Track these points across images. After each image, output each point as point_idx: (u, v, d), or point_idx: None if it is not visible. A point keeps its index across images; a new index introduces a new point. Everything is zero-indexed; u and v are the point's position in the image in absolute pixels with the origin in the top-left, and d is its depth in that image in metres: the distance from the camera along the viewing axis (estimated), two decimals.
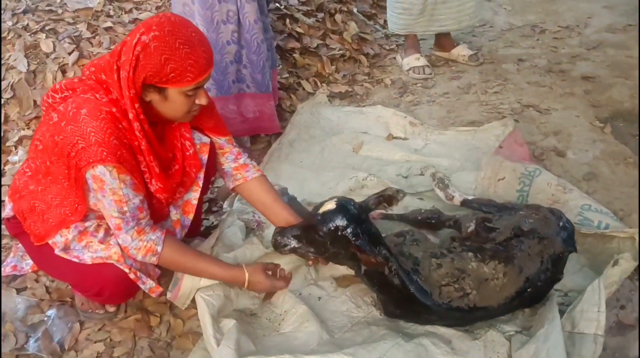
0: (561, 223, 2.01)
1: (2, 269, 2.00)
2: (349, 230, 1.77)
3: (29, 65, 2.87)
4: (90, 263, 1.75)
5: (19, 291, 2.09)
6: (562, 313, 1.84)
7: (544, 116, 3.12)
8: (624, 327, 1.91)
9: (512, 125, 2.76)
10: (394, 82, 3.55)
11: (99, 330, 1.99)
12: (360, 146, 2.82)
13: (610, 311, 1.92)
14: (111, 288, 1.79)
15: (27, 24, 3.05)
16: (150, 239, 1.72)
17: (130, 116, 1.61)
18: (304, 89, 3.32)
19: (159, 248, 1.73)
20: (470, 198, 2.39)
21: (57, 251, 1.75)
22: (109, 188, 1.61)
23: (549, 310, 1.85)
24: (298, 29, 3.57)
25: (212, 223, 2.42)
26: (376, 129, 2.98)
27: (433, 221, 2.14)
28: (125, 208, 1.65)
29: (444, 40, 3.80)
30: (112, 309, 2.02)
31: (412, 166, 2.66)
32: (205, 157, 1.91)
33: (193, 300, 1.93)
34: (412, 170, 2.64)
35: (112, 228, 1.70)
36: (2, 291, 2.05)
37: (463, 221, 2.08)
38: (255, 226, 2.37)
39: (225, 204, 2.47)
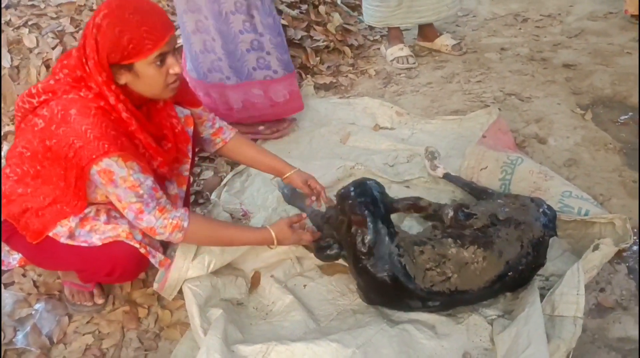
0: (541, 209, 2.05)
1: None
2: (356, 202, 1.88)
3: (12, 60, 2.87)
4: (100, 244, 1.78)
5: (6, 286, 2.10)
6: (543, 297, 1.87)
7: (525, 104, 3.16)
8: (603, 310, 1.95)
9: (496, 114, 2.80)
10: (378, 72, 3.57)
11: (87, 322, 2.01)
12: (348, 136, 2.85)
13: (590, 294, 1.97)
14: (123, 265, 1.81)
15: (10, 19, 3.05)
16: (175, 216, 1.74)
17: (112, 100, 1.62)
18: None
19: (185, 224, 1.74)
20: (452, 173, 2.50)
21: (63, 240, 1.77)
22: (119, 178, 1.63)
23: (530, 294, 1.88)
24: (282, 22, 3.56)
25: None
26: (363, 119, 3.02)
27: (414, 204, 2.17)
28: (141, 191, 1.67)
29: (427, 31, 3.82)
30: (100, 301, 2.04)
31: (398, 155, 2.70)
32: (191, 129, 1.97)
33: (180, 291, 1.96)
34: (398, 159, 2.68)
35: (132, 215, 1.70)
36: None
37: (443, 210, 2.12)
38: (242, 215, 2.40)
39: (213, 196, 2.50)
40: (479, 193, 2.38)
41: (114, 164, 1.61)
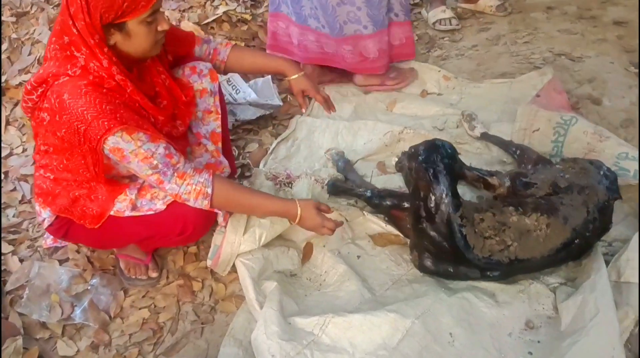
0: (602, 172, 1.98)
1: (43, 242, 2.04)
2: (424, 157, 1.82)
3: None
4: (164, 208, 1.77)
5: (61, 262, 2.12)
6: (607, 263, 1.81)
7: (577, 64, 3.03)
8: None
9: (550, 73, 2.69)
10: (420, 37, 3.46)
11: (143, 296, 2.02)
12: (394, 103, 2.77)
13: None
14: (193, 222, 1.80)
15: None
16: (199, 182, 1.70)
17: (105, 63, 1.57)
18: None
19: (209, 190, 1.70)
20: (490, 132, 2.46)
21: (127, 214, 1.77)
22: (129, 152, 1.59)
23: (594, 260, 1.82)
24: None
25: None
26: (410, 86, 2.93)
27: (483, 179, 2.07)
28: (155, 161, 1.63)
29: None
30: (154, 275, 2.05)
31: (447, 119, 2.62)
32: (216, 84, 1.97)
33: (233, 265, 1.95)
34: (448, 123, 2.60)
35: (155, 186, 1.70)
36: (46, 263, 2.09)
37: (497, 182, 2.05)
38: (286, 178, 2.37)
39: (261, 165, 2.46)
40: (516, 149, 2.35)
41: (119, 140, 1.56)
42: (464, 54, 3.26)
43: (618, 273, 1.78)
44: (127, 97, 1.62)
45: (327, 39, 2.71)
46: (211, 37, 2.04)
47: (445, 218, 1.76)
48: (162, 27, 1.64)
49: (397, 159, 2.05)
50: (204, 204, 1.72)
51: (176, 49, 1.91)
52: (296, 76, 2.04)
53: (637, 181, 2.11)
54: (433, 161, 1.81)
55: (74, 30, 1.54)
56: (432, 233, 1.78)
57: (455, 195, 1.82)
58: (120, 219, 1.79)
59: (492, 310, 1.76)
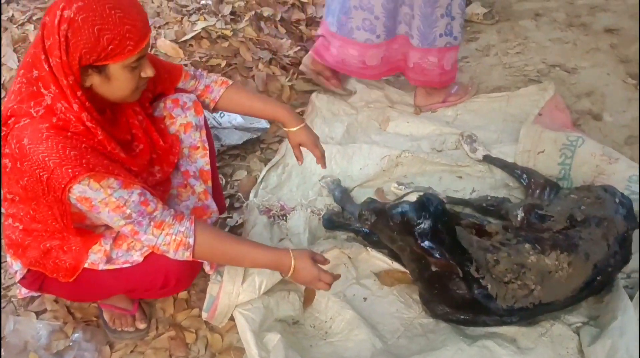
0: (617, 200, 1.89)
1: (18, 292, 1.85)
2: (419, 229, 1.62)
3: (19, 60, 2.65)
4: (142, 259, 1.61)
5: (38, 314, 1.93)
6: (630, 297, 1.71)
7: (572, 76, 2.95)
8: None
9: (552, 89, 2.59)
10: None
11: (132, 351, 1.85)
12: (388, 121, 2.64)
13: None
14: (176, 273, 1.64)
15: (13, 15, 2.82)
16: (179, 231, 1.52)
17: (75, 107, 1.39)
18: None
19: (191, 240, 1.53)
20: (492, 155, 2.36)
21: (101, 267, 1.59)
22: (98, 202, 1.42)
23: (619, 298, 1.72)
24: None
25: (237, 221, 2.24)
26: (402, 104, 2.79)
27: (479, 227, 1.93)
28: (128, 211, 1.45)
29: None
30: (142, 326, 1.87)
31: (445, 139, 2.50)
32: (201, 118, 1.78)
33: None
34: (446, 144, 2.49)
35: (130, 237, 1.52)
36: (22, 317, 1.90)
37: (511, 210, 1.94)
38: (279, 210, 2.22)
39: (251, 196, 2.30)
40: (523, 175, 2.24)
41: (86, 189, 1.39)
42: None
43: None
44: (95, 142, 1.44)
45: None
46: (204, 73, 1.85)
47: (459, 278, 1.64)
48: (146, 73, 1.47)
49: (359, 212, 1.84)
50: (185, 256, 1.54)
51: (160, 85, 1.73)
52: (295, 128, 1.85)
53: None
54: (430, 225, 1.63)
55: (45, 66, 1.36)
56: (447, 291, 1.67)
57: (463, 249, 1.69)
58: (96, 273, 1.61)
59: None
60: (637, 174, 2.14)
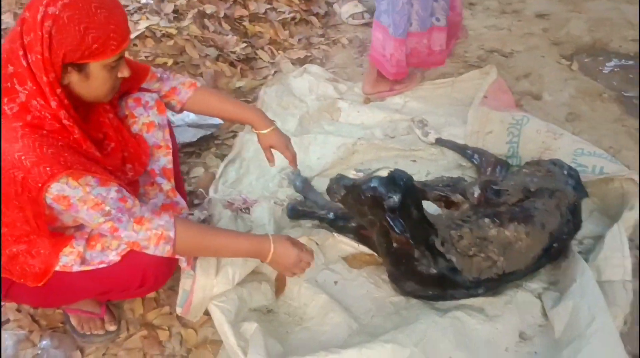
0: (565, 172, 1.99)
1: None
2: (389, 203, 1.66)
3: None
4: (119, 259, 1.58)
5: (1, 325, 1.86)
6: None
7: (510, 60, 3.08)
8: None
9: (495, 73, 2.70)
10: (351, 41, 3.40)
11: (104, 354, 1.80)
12: (339, 112, 2.69)
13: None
14: (154, 270, 1.62)
15: None
16: (159, 225, 1.51)
17: (53, 104, 1.37)
18: (262, 59, 3.11)
19: (172, 233, 1.52)
20: (444, 137, 2.45)
21: (76, 269, 1.55)
22: (76, 200, 1.39)
23: (575, 263, 1.82)
24: None
25: (200, 218, 2.22)
26: (350, 95, 2.84)
27: (445, 198, 2.00)
28: (107, 208, 1.43)
29: None
30: (112, 328, 1.83)
31: (397, 126, 2.58)
32: (164, 117, 1.77)
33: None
34: (398, 130, 2.56)
35: (108, 234, 1.49)
36: None
37: (468, 188, 2.01)
38: (242, 204, 2.22)
39: (211, 192, 2.29)
40: (475, 156, 2.34)
41: (65, 187, 1.36)
42: None
43: (598, 272, 1.79)
44: (71, 140, 1.42)
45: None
46: (171, 75, 1.83)
47: (427, 250, 1.70)
48: (123, 74, 1.48)
49: (329, 187, 1.88)
50: (166, 250, 1.53)
51: (126, 84, 1.69)
52: (266, 130, 1.85)
53: (597, 176, 2.13)
54: (399, 200, 1.67)
55: (23, 62, 1.33)
56: (414, 267, 1.72)
57: (430, 223, 1.75)
58: (69, 275, 1.57)
59: (485, 326, 1.71)
60: (582, 147, 2.25)
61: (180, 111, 1.87)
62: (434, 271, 1.73)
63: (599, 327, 1.57)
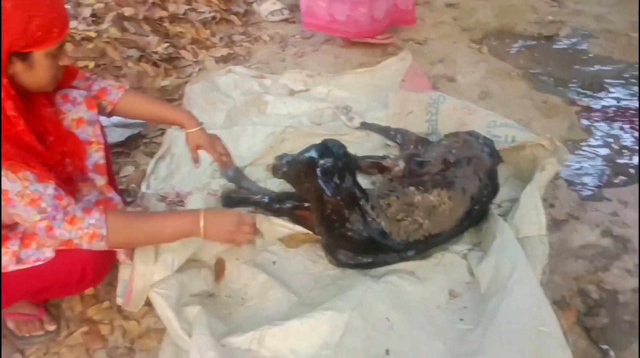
0: (481, 141, 2.13)
1: None
2: (321, 168, 1.74)
3: None
4: (54, 255, 1.57)
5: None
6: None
7: (425, 47, 3.23)
8: (559, 223, 2.07)
9: (410, 58, 2.83)
10: (272, 37, 3.47)
11: (45, 354, 1.78)
12: (265, 105, 2.74)
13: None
14: (92, 265, 1.61)
15: None
16: (90, 224, 1.51)
17: None
18: (185, 58, 3.13)
19: (103, 231, 1.52)
20: (368, 121, 2.55)
21: (11, 268, 1.53)
22: (14, 194, 1.38)
23: (494, 222, 1.95)
24: None
25: None
26: (276, 88, 2.91)
27: (377, 164, 2.11)
28: (44, 205, 1.43)
29: None
30: (52, 328, 1.81)
31: (323, 114, 2.66)
32: (94, 112, 1.75)
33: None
34: (324, 117, 2.64)
35: (43, 233, 1.48)
36: None
37: (391, 164, 2.12)
38: (175, 197, 2.24)
39: (143, 188, 2.30)
40: (397, 136, 2.44)
41: (4, 179, 1.36)
42: (319, 49, 3.33)
43: (516, 230, 1.92)
44: (14, 133, 1.41)
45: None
46: (98, 77, 1.84)
47: (358, 213, 1.78)
48: (64, 61, 1.49)
49: (273, 165, 1.97)
50: (100, 246, 1.54)
51: (59, 82, 1.69)
52: (194, 129, 1.89)
53: (510, 144, 2.29)
54: (331, 164, 1.77)
55: None
56: (347, 231, 1.80)
57: (361, 189, 1.84)
58: (6, 276, 1.55)
59: (417, 287, 1.81)
60: (494, 120, 2.41)
61: (111, 114, 1.87)
62: (365, 235, 1.81)
63: (520, 277, 1.69)
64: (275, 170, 1.92)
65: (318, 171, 1.74)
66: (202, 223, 1.65)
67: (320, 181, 1.74)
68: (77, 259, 1.59)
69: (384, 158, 2.07)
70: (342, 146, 1.83)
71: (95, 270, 1.65)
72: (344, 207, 1.76)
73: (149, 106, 1.89)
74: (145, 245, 1.75)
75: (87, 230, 1.50)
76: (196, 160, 1.97)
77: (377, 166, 2.05)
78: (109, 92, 1.84)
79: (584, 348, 1.71)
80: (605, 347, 1.71)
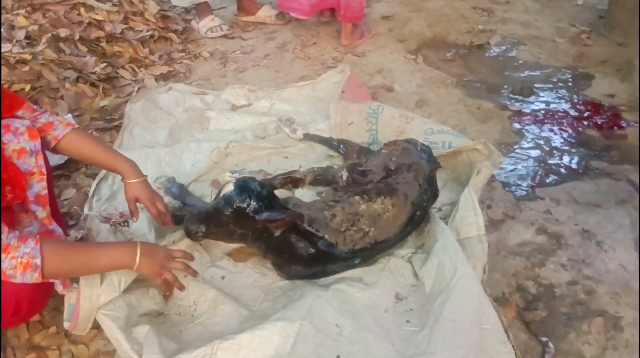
0: (419, 148, 2.20)
1: None
2: (251, 208, 1.75)
3: None
4: None
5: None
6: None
7: (363, 59, 3.31)
8: (496, 223, 2.16)
9: (349, 70, 2.90)
10: (212, 54, 3.49)
11: None
12: (208, 121, 2.75)
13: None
14: (27, 297, 1.57)
15: None
16: (24, 253, 1.46)
17: None
18: (123, 77, 3.10)
19: (38, 261, 1.48)
20: (311, 132, 2.59)
21: None
22: None
23: (435, 225, 2.02)
24: (96, 17, 3.30)
25: (77, 237, 2.19)
26: (218, 104, 2.93)
27: (289, 178, 2.10)
28: None
29: (247, 4, 3.81)
30: None
31: (266, 127, 2.69)
32: (37, 142, 1.72)
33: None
34: (267, 131, 2.67)
35: None
36: None
37: (336, 173, 2.17)
38: (119, 217, 2.22)
39: (86, 210, 2.27)
40: (340, 146, 2.50)
41: None
42: (259, 64, 3.37)
43: (457, 232, 2.00)
44: None
45: None
46: (48, 112, 1.82)
47: (296, 235, 1.82)
48: None
49: (187, 231, 1.86)
50: (34, 278, 1.49)
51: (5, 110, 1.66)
52: (134, 180, 1.88)
53: (447, 150, 2.37)
54: (255, 198, 1.76)
55: None
56: (294, 251, 1.84)
57: (289, 209, 1.87)
58: None
59: (364, 293, 1.85)
60: (431, 127, 2.50)
61: (55, 150, 1.84)
62: (312, 251, 1.85)
63: (462, 276, 1.76)
64: (192, 235, 1.85)
65: (250, 213, 1.75)
66: (137, 257, 1.66)
67: (257, 220, 1.75)
68: (10, 292, 1.54)
69: (325, 176, 2.12)
70: (253, 179, 1.84)
71: (30, 303, 1.61)
72: (289, 235, 1.80)
73: (92, 149, 1.86)
74: (80, 275, 1.70)
75: (21, 258, 1.46)
76: (134, 213, 1.94)
77: (289, 180, 2.03)
78: (55, 127, 1.81)
79: (524, 341, 1.79)
80: (544, 338, 1.80)
